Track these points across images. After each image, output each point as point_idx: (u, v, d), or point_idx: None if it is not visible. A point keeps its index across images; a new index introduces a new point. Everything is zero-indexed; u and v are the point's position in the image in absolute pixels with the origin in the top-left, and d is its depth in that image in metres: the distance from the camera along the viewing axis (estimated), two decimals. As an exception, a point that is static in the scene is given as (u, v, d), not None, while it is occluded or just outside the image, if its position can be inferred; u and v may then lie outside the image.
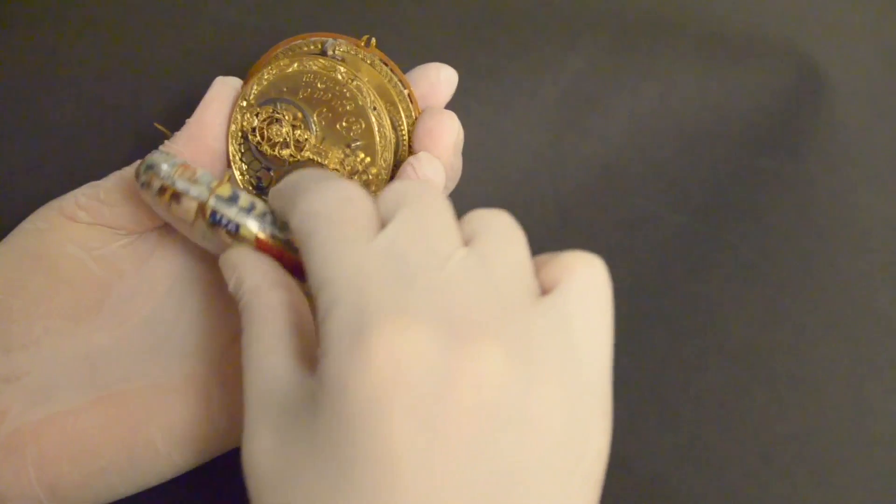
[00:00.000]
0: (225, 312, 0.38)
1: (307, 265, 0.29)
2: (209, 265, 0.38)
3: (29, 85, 0.47)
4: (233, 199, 0.33)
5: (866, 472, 0.44)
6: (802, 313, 0.46)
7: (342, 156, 0.37)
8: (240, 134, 0.37)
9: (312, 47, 0.37)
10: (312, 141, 0.37)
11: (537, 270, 0.30)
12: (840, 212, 0.48)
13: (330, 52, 0.37)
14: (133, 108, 0.47)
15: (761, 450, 0.44)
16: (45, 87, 0.47)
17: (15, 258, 0.36)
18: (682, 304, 0.46)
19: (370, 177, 0.35)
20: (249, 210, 0.33)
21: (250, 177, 0.38)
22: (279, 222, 0.33)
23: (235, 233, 0.33)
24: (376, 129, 0.36)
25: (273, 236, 0.33)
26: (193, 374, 0.36)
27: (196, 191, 0.33)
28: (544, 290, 0.29)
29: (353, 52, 0.37)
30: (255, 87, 0.37)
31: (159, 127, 0.35)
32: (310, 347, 0.31)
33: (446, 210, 0.30)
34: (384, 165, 0.36)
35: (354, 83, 0.36)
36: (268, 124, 0.37)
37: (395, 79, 0.37)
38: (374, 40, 0.37)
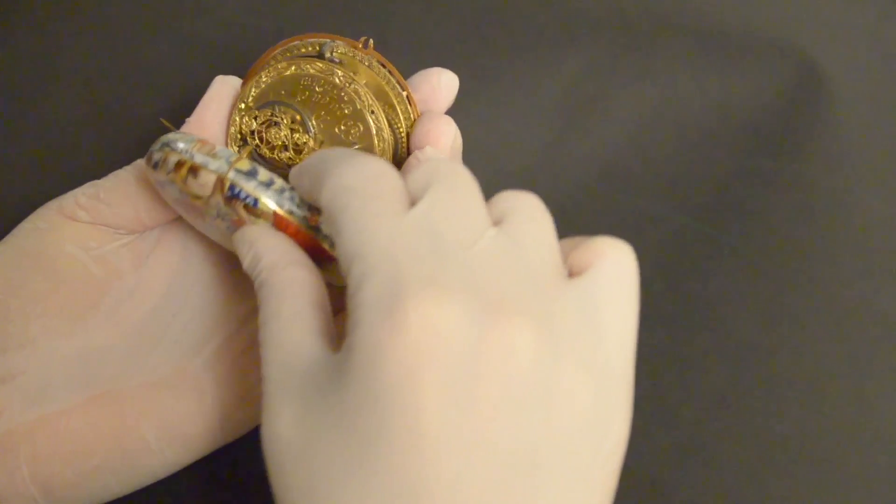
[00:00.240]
0: (220, 311, 0.38)
1: (338, 239, 0.29)
2: (207, 265, 0.38)
3: (29, 85, 0.47)
4: (252, 174, 0.33)
5: (866, 472, 0.44)
6: (802, 313, 0.46)
7: None
8: (238, 136, 0.37)
9: (310, 49, 0.37)
10: (311, 144, 0.36)
11: (566, 253, 0.30)
12: (840, 212, 0.48)
13: (328, 55, 0.36)
14: (133, 108, 0.47)
15: (761, 450, 0.44)
16: (45, 86, 0.47)
17: (14, 258, 0.36)
18: (682, 304, 0.46)
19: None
20: (269, 184, 0.33)
21: None
22: (297, 199, 0.33)
23: (254, 206, 0.33)
24: (374, 131, 0.36)
25: (291, 212, 0.33)
26: (187, 371, 0.36)
27: (215, 164, 0.33)
28: (573, 273, 0.29)
29: (351, 54, 0.37)
30: (253, 89, 0.37)
31: (165, 122, 0.35)
32: (328, 325, 0.31)
33: (475, 189, 0.30)
34: None
35: (352, 86, 0.36)
36: (266, 127, 0.37)
37: (394, 81, 0.37)
38: (371, 42, 0.37)
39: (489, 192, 0.31)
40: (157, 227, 0.38)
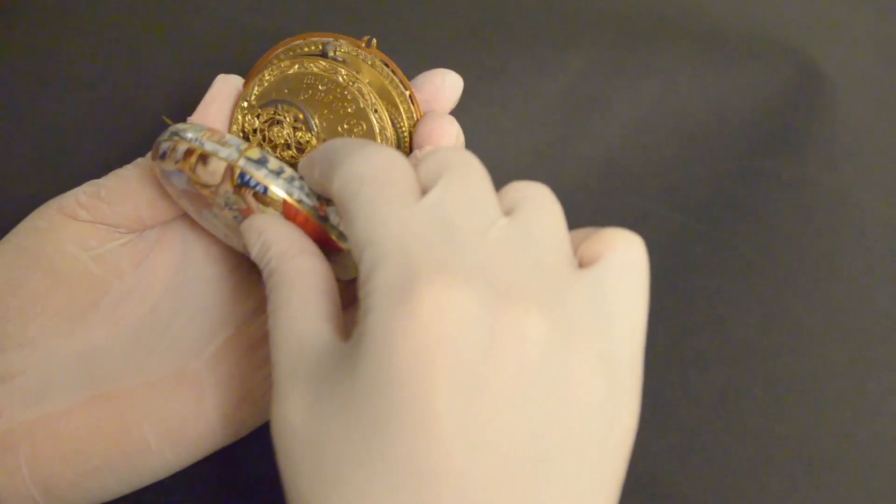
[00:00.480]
0: (220, 312, 0.38)
1: (350, 226, 0.29)
2: (207, 265, 0.38)
3: (29, 84, 0.47)
4: (262, 162, 0.33)
5: (866, 472, 0.44)
6: (802, 313, 0.46)
7: None
8: (241, 135, 0.37)
9: (313, 48, 0.37)
10: (314, 143, 0.36)
11: (577, 243, 0.30)
12: (840, 212, 0.48)
13: (331, 54, 0.36)
14: (133, 107, 0.47)
15: (761, 450, 0.44)
16: (46, 86, 0.47)
17: (13, 257, 0.36)
18: (682, 303, 0.46)
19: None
20: (278, 173, 0.33)
21: None
22: (306, 189, 0.33)
23: (263, 195, 0.33)
24: (377, 130, 0.36)
25: (300, 201, 0.33)
26: (187, 371, 0.36)
27: (225, 152, 0.33)
28: (583, 264, 0.30)
29: (354, 53, 0.37)
30: (255, 88, 0.37)
31: (167, 120, 0.35)
32: (337, 314, 0.31)
33: (486, 178, 0.30)
34: None
35: (356, 85, 0.36)
36: (269, 126, 0.37)
37: (396, 80, 0.37)
38: (374, 41, 0.37)
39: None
40: (157, 227, 0.38)
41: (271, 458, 0.43)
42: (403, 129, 0.37)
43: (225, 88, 0.37)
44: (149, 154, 0.36)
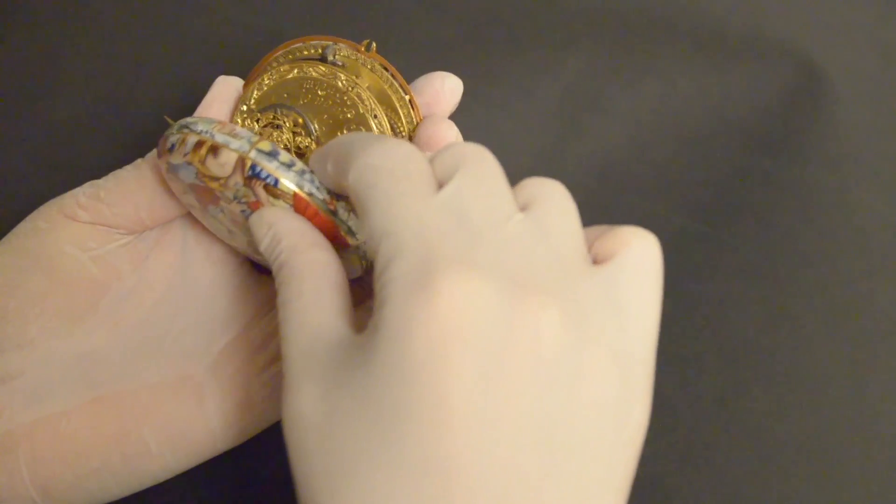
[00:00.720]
0: (222, 315, 0.38)
1: (366, 218, 0.29)
2: (207, 267, 0.38)
3: (29, 85, 0.47)
4: (273, 154, 0.33)
5: (866, 472, 0.44)
6: (802, 314, 0.46)
7: None
8: None
9: (312, 51, 0.37)
10: (314, 147, 0.36)
11: (591, 241, 0.30)
12: (840, 212, 0.48)
13: (330, 58, 0.36)
14: (133, 107, 0.47)
15: (761, 450, 0.44)
16: (46, 86, 0.47)
17: (13, 258, 0.36)
18: (682, 304, 0.46)
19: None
20: (290, 166, 0.33)
21: None
22: (317, 182, 0.33)
23: (274, 187, 0.32)
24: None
25: (311, 194, 0.33)
26: (188, 375, 0.36)
27: (236, 144, 0.33)
28: (598, 261, 0.30)
29: (353, 57, 0.37)
30: (255, 92, 0.37)
31: (169, 120, 0.35)
32: (349, 307, 0.31)
33: (501, 173, 0.30)
34: None
35: (355, 90, 0.36)
36: (268, 130, 0.37)
37: (396, 84, 0.37)
38: (374, 45, 0.37)
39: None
40: (157, 229, 0.38)
41: (273, 460, 0.43)
42: (403, 133, 0.37)
43: (225, 90, 0.37)
44: (148, 155, 0.36)
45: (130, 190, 0.36)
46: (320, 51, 0.37)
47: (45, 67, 0.47)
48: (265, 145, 0.33)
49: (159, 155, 0.34)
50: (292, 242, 0.32)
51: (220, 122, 0.33)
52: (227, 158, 0.33)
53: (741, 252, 0.47)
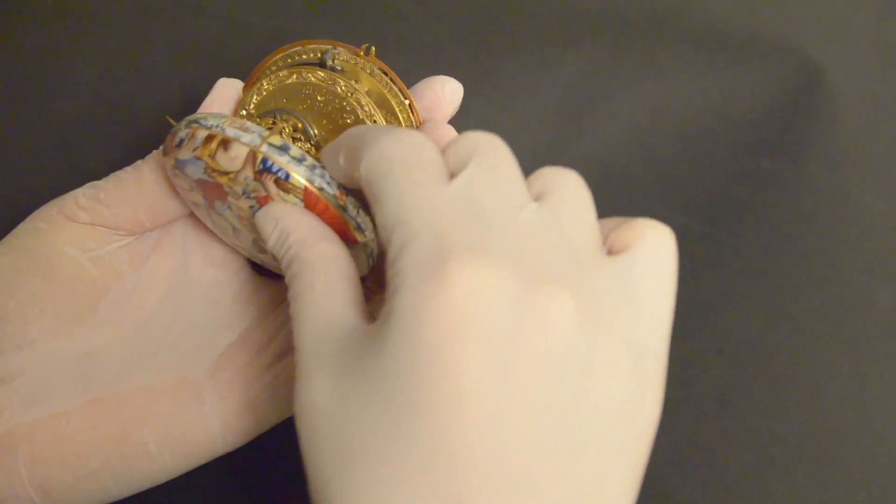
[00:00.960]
0: (222, 317, 0.38)
1: (378, 207, 0.29)
2: (207, 269, 0.38)
3: (29, 85, 0.47)
4: (284, 149, 0.33)
5: (866, 472, 0.44)
6: (803, 313, 0.46)
7: None
8: None
9: (311, 55, 0.37)
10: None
11: (606, 233, 0.30)
12: (840, 212, 0.48)
13: (329, 63, 0.36)
14: (133, 108, 0.47)
15: (761, 450, 0.44)
16: (45, 87, 0.47)
17: (12, 258, 0.36)
18: (682, 304, 0.46)
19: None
20: (301, 160, 0.33)
21: None
22: (327, 177, 0.33)
23: (285, 181, 0.32)
24: None
25: (321, 189, 0.32)
26: (187, 377, 0.36)
27: (247, 137, 0.33)
28: (612, 252, 0.30)
29: (352, 62, 0.37)
30: (254, 97, 0.37)
31: (171, 121, 0.35)
32: (360, 298, 0.31)
33: (514, 162, 0.30)
34: None
35: (354, 96, 0.36)
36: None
37: (396, 89, 0.37)
38: (373, 49, 0.37)
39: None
40: (157, 231, 0.38)
41: (273, 462, 0.43)
42: None
43: (226, 92, 0.37)
44: (148, 157, 0.36)
45: (129, 191, 0.36)
46: (319, 55, 0.37)
47: (45, 68, 0.47)
48: (276, 139, 0.33)
49: (165, 152, 0.34)
50: (301, 236, 0.32)
51: (229, 117, 0.33)
52: (238, 152, 0.32)
53: (741, 252, 0.47)
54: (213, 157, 0.33)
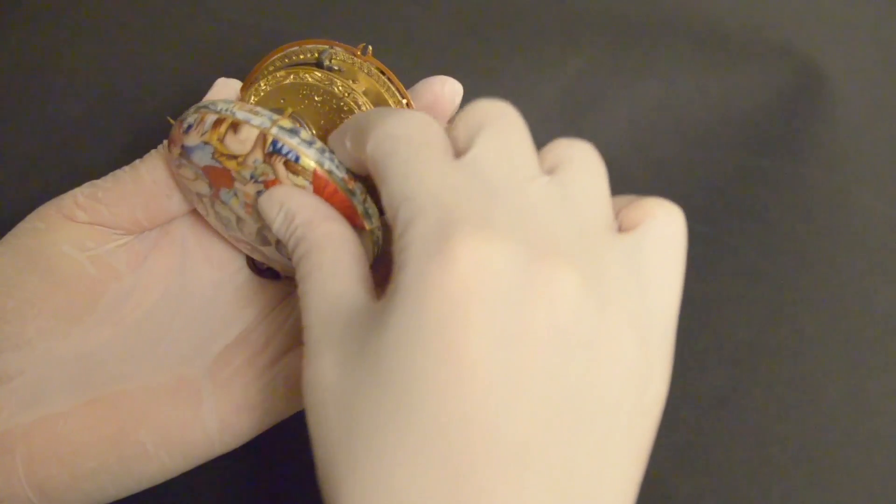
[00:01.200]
0: (220, 318, 0.38)
1: (384, 185, 0.29)
2: (206, 270, 0.38)
3: (29, 85, 0.47)
4: (294, 132, 0.33)
5: (866, 472, 0.44)
6: (802, 313, 0.46)
7: None
8: None
9: (309, 55, 0.37)
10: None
11: (617, 209, 0.30)
12: (840, 212, 0.48)
13: (326, 63, 0.36)
14: (133, 108, 0.47)
15: (761, 450, 0.44)
16: (45, 86, 0.47)
17: (11, 258, 0.36)
18: (682, 304, 0.46)
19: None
20: (311, 143, 0.33)
21: None
22: (336, 162, 0.33)
23: (295, 162, 0.32)
24: None
25: (330, 172, 0.32)
26: (185, 377, 0.36)
27: (258, 120, 0.33)
28: (622, 230, 0.29)
29: (350, 61, 0.37)
30: (252, 97, 0.37)
31: (172, 121, 0.35)
32: (367, 277, 0.31)
33: (526, 133, 0.30)
34: None
35: (351, 96, 0.36)
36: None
37: (393, 88, 0.37)
38: (370, 48, 0.37)
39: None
40: (156, 231, 0.38)
41: (272, 463, 0.43)
42: None
43: (224, 92, 0.37)
44: (146, 155, 0.36)
45: (127, 190, 0.36)
46: (317, 55, 0.37)
47: (45, 68, 0.47)
48: (286, 122, 0.33)
49: (171, 143, 0.34)
50: (307, 217, 0.32)
51: (238, 102, 0.33)
52: (248, 134, 0.32)
53: (741, 252, 0.47)
54: (221, 140, 0.33)
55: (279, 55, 0.37)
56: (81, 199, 0.36)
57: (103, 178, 0.37)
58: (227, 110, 0.33)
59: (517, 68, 0.48)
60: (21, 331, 0.35)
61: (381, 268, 0.35)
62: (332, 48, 0.37)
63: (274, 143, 0.32)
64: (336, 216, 0.32)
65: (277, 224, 0.32)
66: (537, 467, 0.26)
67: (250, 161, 0.33)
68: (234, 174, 0.33)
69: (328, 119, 0.36)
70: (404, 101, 0.37)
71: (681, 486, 0.44)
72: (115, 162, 0.38)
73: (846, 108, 0.49)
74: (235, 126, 0.33)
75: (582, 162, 0.30)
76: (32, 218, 0.37)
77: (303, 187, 0.33)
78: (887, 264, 0.47)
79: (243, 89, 0.37)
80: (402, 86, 0.37)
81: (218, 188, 0.35)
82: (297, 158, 0.32)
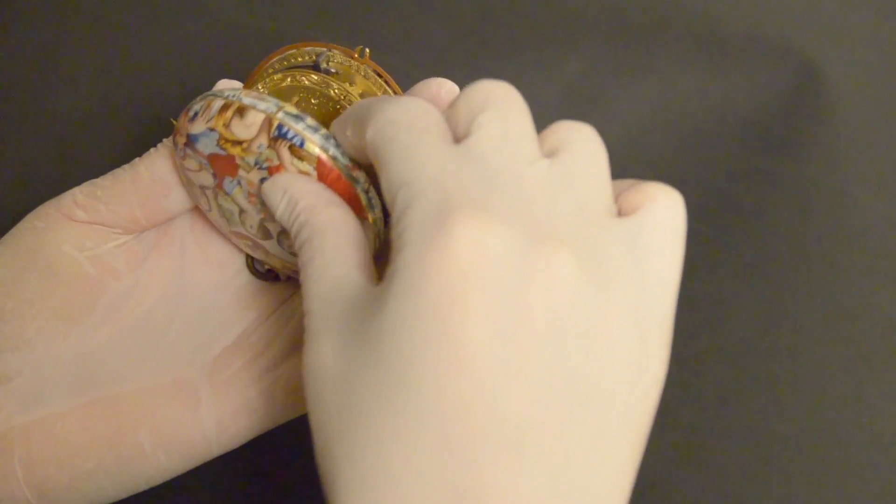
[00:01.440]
0: (219, 319, 0.38)
1: (384, 170, 0.29)
2: (205, 271, 0.38)
3: (28, 84, 0.47)
4: (299, 117, 0.33)
5: (866, 472, 0.44)
6: (802, 313, 0.46)
7: None
8: None
9: (306, 58, 0.37)
10: None
11: (618, 193, 0.30)
12: (840, 212, 0.48)
13: (323, 66, 0.36)
14: (133, 109, 0.47)
15: (761, 450, 0.44)
16: (45, 86, 0.47)
17: (10, 258, 0.36)
18: (682, 304, 0.46)
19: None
20: (316, 129, 0.33)
21: None
22: (341, 149, 0.33)
23: (300, 147, 0.32)
24: None
25: (335, 158, 0.33)
26: (184, 378, 0.36)
27: (264, 105, 0.33)
28: (622, 214, 0.29)
29: (346, 64, 0.37)
30: None
31: (175, 122, 0.35)
32: (368, 262, 0.31)
33: (526, 114, 0.30)
34: None
35: (347, 99, 0.36)
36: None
37: (390, 91, 0.37)
38: (367, 51, 0.37)
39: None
40: (156, 231, 0.38)
41: (271, 463, 0.43)
42: None
43: None
44: (145, 154, 0.36)
45: (126, 188, 0.36)
46: (314, 57, 0.37)
47: (44, 68, 0.47)
48: (292, 109, 0.33)
49: (176, 133, 0.34)
50: (309, 203, 0.32)
51: (244, 89, 0.34)
52: (254, 119, 0.33)
53: (741, 252, 0.47)
54: (227, 126, 0.33)
55: (277, 58, 0.38)
56: (80, 198, 0.36)
57: (102, 177, 0.37)
58: (233, 96, 0.33)
59: (517, 68, 0.48)
60: (20, 331, 0.35)
61: (384, 256, 0.35)
62: (329, 51, 0.37)
63: (279, 127, 0.33)
64: (339, 202, 0.32)
65: (281, 210, 0.32)
66: (534, 451, 0.26)
67: (255, 146, 0.33)
68: (238, 161, 0.34)
69: (324, 122, 0.36)
70: None
71: (681, 486, 0.44)
72: (115, 162, 0.38)
73: (846, 108, 0.49)
74: (241, 111, 0.33)
75: (583, 145, 0.29)
76: (32, 217, 0.37)
77: (307, 173, 0.33)
78: (887, 264, 0.47)
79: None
80: (398, 88, 0.37)
81: (222, 178, 0.35)
82: (303, 143, 0.33)
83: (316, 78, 0.36)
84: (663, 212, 0.29)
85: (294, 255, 0.36)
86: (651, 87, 0.49)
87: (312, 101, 0.36)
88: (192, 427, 0.35)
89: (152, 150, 0.36)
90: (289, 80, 0.36)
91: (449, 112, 0.30)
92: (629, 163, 0.48)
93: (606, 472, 0.27)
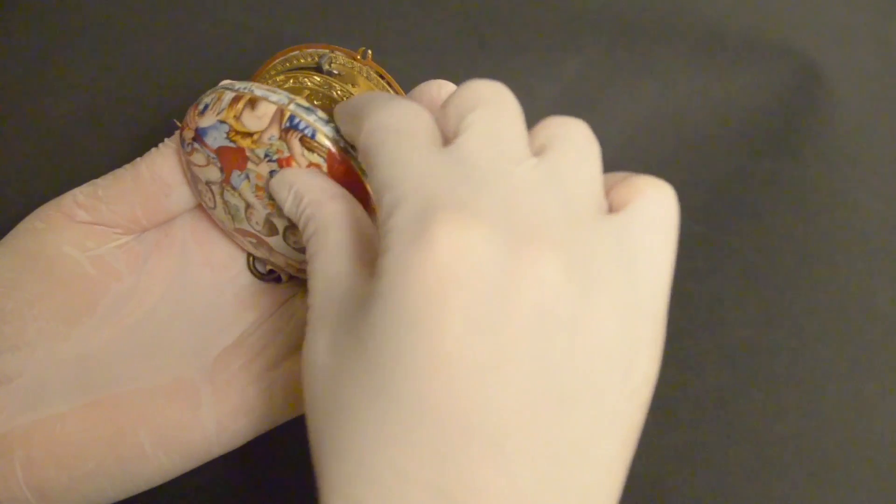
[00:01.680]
0: (220, 320, 0.38)
1: (372, 175, 0.29)
2: (206, 272, 0.38)
3: (28, 84, 0.47)
4: (311, 110, 0.33)
5: (866, 472, 0.44)
6: (802, 313, 0.46)
7: None
8: None
9: (309, 59, 0.37)
10: None
11: (609, 187, 0.30)
12: (840, 212, 0.48)
13: (325, 67, 0.37)
14: (133, 109, 0.47)
15: (761, 450, 0.44)
16: (45, 86, 0.47)
17: (11, 258, 0.36)
18: (682, 304, 0.46)
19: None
20: (327, 121, 0.33)
21: None
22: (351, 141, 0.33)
23: (311, 138, 0.33)
24: None
25: (346, 150, 0.33)
26: (184, 379, 0.36)
27: (276, 97, 0.33)
28: (612, 209, 0.29)
29: (349, 65, 0.37)
30: None
31: (178, 123, 0.35)
32: (372, 255, 0.31)
33: (517, 113, 0.29)
34: None
35: None
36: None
37: (392, 92, 0.37)
38: (370, 52, 0.37)
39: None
40: (156, 232, 0.38)
41: (271, 463, 0.43)
42: None
43: None
44: (146, 154, 0.36)
45: (127, 187, 0.36)
46: (317, 59, 0.37)
47: (45, 68, 0.47)
48: (303, 101, 0.33)
49: (184, 127, 0.34)
50: (315, 197, 0.32)
51: (255, 82, 0.34)
52: (266, 110, 0.33)
53: (741, 252, 0.47)
54: (238, 118, 0.33)
55: (280, 59, 0.38)
56: (81, 198, 0.36)
57: (103, 177, 0.37)
58: (245, 88, 0.34)
59: (517, 68, 0.48)
60: (21, 332, 0.35)
61: None
62: (332, 52, 0.37)
63: (291, 118, 0.33)
64: (344, 195, 0.32)
65: (288, 204, 0.33)
66: (520, 450, 0.26)
67: (266, 138, 0.33)
68: (248, 153, 0.34)
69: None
70: None
71: (681, 486, 0.44)
72: (115, 162, 0.38)
73: (846, 108, 0.49)
74: (253, 102, 0.33)
75: (572, 141, 0.29)
76: (32, 218, 0.37)
77: (317, 165, 0.33)
78: (887, 264, 0.47)
79: (243, 95, 0.37)
80: (400, 89, 0.37)
81: (229, 172, 0.35)
82: (314, 134, 0.33)
83: (318, 79, 0.36)
84: (653, 206, 0.29)
85: (299, 250, 0.36)
86: (651, 87, 0.49)
87: (315, 102, 0.36)
88: (193, 427, 0.35)
89: (153, 149, 0.36)
90: (291, 81, 0.36)
91: (440, 113, 0.30)
92: (629, 163, 0.48)
93: (594, 469, 0.27)
